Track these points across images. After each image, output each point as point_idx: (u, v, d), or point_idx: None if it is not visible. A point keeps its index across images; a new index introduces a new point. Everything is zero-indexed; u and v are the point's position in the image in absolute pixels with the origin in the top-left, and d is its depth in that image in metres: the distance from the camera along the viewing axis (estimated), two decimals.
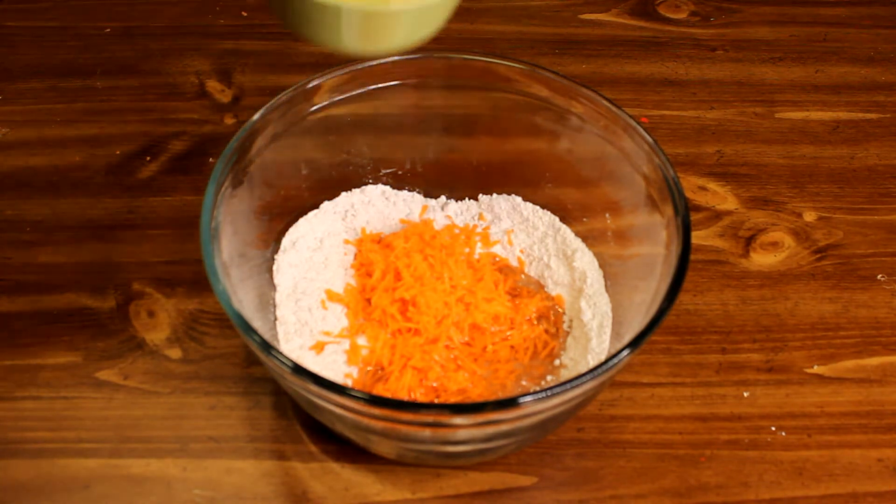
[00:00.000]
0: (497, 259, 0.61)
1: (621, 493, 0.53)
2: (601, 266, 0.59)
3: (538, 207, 0.63)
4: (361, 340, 0.55)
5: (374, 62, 0.58)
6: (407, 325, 0.55)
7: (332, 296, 0.57)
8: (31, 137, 0.72)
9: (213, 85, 0.77)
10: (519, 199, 0.63)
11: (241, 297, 0.50)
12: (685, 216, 0.50)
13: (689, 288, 0.63)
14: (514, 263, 0.61)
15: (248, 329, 0.45)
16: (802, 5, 0.87)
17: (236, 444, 0.54)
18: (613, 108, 0.56)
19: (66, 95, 0.75)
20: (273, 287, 0.57)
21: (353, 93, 0.59)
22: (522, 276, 0.61)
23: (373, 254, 0.58)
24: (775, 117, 0.76)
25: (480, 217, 0.63)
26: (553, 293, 0.59)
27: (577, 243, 0.61)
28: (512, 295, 0.59)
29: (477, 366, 0.55)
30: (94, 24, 0.82)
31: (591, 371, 0.44)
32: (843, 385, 0.59)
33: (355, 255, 0.60)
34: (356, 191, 0.63)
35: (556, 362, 0.56)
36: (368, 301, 0.57)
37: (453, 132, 0.63)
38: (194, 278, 0.62)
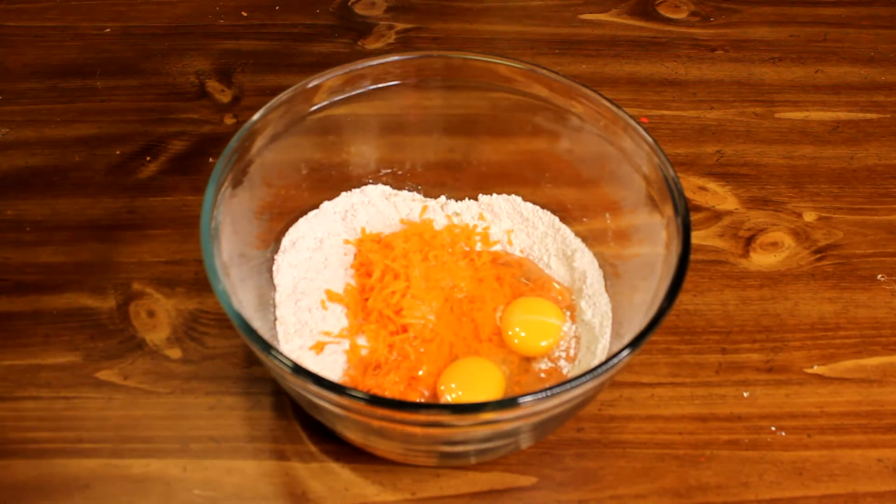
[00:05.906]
0: (497, 259, 0.61)
1: (621, 493, 0.53)
2: (601, 266, 0.59)
3: (538, 207, 0.63)
4: (361, 340, 0.55)
5: (374, 62, 0.58)
6: (405, 324, 0.55)
7: (331, 296, 0.57)
8: (31, 137, 0.71)
9: (213, 85, 0.77)
10: (519, 199, 0.63)
11: (241, 298, 0.50)
12: (685, 216, 0.50)
13: (689, 288, 0.63)
14: None
15: (248, 329, 0.45)
16: (802, 5, 0.88)
17: (236, 444, 0.54)
18: (613, 108, 0.56)
19: (66, 95, 0.75)
20: (273, 287, 0.57)
21: (353, 93, 0.58)
22: (523, 278, 0.61)
23: (372, 254, 0.58)
24: (775, 117, 0.76)
25: (480, 217, 0.63)
26: (553, 293, 0.59)
27: (577, 243, 0.61)
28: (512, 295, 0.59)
29: None
30: (94, 24, 0.82)
31: (591, 371, 0.44)
32: (843, 385, 0.59)
33: (355, 255, 0.60)
34: (356, 191, 0.63)
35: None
36: (368, 301, 0.57)
37: (453, 132, 0.63)
38: (194, 278, 0.62)
